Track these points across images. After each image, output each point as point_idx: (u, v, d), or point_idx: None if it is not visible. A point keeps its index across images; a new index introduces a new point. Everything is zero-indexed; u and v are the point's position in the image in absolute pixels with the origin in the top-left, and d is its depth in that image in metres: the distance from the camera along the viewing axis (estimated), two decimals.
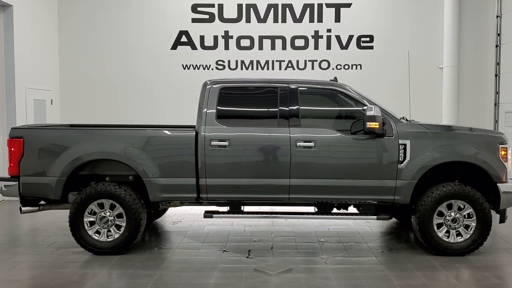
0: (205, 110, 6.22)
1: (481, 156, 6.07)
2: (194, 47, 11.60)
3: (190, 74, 11.53)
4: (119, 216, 6.12)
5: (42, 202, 6.37)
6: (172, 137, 6.24)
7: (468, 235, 6.08)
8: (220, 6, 11.57)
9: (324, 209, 6.39)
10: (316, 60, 11.58)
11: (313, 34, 11.54)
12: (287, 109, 6.18)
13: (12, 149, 6.14)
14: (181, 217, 8.30)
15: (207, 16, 11.58)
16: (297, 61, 11.58)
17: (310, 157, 6.05)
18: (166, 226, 7.83)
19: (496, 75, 11.33)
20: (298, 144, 6.04)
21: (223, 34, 11.59)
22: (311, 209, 6.53)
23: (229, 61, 11.62)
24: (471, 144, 6.14)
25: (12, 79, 9.83)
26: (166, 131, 6.30)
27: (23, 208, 6.28)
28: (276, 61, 11.59)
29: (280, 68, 11.57)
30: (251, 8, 11.54)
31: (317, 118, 6.54)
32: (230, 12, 11.57)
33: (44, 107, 10.90)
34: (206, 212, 6.40)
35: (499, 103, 11.24)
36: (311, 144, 6.04)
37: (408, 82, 7.48)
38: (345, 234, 7.26)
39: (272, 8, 11.53)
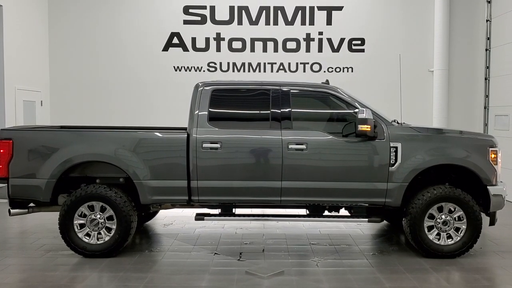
0: (197, 112, 6.20)
1: (471, 159, 6.11)
2: (185, 49, 11.58)
3: (181, 76, 11.50)
4: (110, 218, 6.07)
5: (32, 204, 6.31)
6: (163, 139, 6.20)
7: (459, 238, 6.12)
8: (212, 8, 11.56)
9: (315, 211, 6.40)
10: (308, 63, 11.60)
11: (305, 37, 11.57)
12: (279, 111, 6.17)
13: (1, 150, 6.08)
14: (172, 220, 8.26)
15: (198, 18, 11.56)
16: (289, 64, 11.59)
17: (302, 159, 6.05)
18: (157, 228, 7.79)
19: (486, 79, 11.43)
20: (290, 146, 6.03)
21: (215, 36, 11.57)
22: (303, 211, 6.53)
23: (220, 63, 11.60)
24: (462, 147, 6.18)
25: (1, 80, 9.72)
26: (157, 133, 6.26)
27: (12, 211, 6.22)
28: (268, 63, 11.59)
29: (271, 71, 11.59)
30: (243, 10, 11.54)
31: (309, 121, 6.53)
32: (222, 14, 11.56)
33: (34, 108, 10.80)
34: (198, 214, 6.37)
35: (489, 106, 11.34)
36: (303, 146, 6.04)
37: (399, 85, 7.51)
38: (337, 236, 7.27)
39: (264, 11, 11.55)
